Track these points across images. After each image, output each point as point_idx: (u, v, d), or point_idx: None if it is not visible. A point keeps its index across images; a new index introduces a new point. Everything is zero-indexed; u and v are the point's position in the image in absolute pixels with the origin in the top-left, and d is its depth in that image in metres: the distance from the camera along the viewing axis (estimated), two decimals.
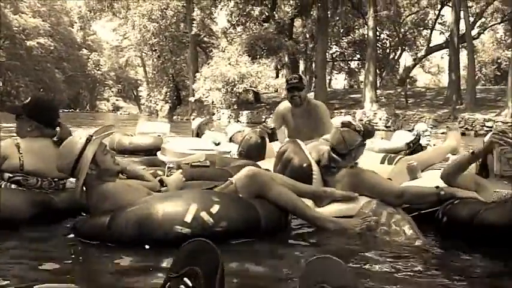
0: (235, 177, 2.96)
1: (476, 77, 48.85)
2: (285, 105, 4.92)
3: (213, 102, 26.99)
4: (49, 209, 3.01)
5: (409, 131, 6.66)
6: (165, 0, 32.91)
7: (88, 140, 2.64)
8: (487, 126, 20.15)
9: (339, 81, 59.34)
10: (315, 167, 3.40)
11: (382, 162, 4.17)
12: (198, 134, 6.67)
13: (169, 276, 1.42)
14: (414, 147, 5.01)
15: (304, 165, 3.38)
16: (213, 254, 1.49)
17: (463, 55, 43.90)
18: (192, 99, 30.52)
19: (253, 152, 4.56)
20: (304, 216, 2.92)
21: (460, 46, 37.51)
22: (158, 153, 5.59)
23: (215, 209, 2.52)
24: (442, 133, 21.79)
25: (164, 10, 33.39)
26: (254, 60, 26.92)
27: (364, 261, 2.41)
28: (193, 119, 28.77)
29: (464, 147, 3.88)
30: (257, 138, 4.63)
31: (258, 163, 4.08)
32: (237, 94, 25.93)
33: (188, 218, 2.46)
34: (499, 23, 37.42)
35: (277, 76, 44.58)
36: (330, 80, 52.05)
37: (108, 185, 2.70)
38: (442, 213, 2.90)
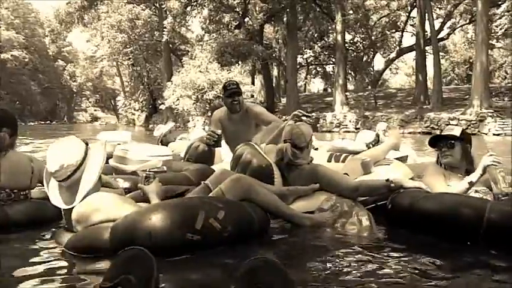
0: (212, 182, 3.09)
1: (449, 76, 49.80)
2: (221, 112, 4.96)
3: (183, 109, 27.00)
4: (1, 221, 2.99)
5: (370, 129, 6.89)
6: (135, 10, 32.86)
7: (87, 144, 2.63)
8: (452, 125, 20.46)
9: (316, 84, 59.84)
10: (274, 167, 3.50)
11: (329, 160, 4.41)
12: (163, 142, 6.60)
13: (103, 285, 1.40)
14: (374, 147, 5.23)
15: (264, 165, 3.46)
16: (148, 262, 1.50)
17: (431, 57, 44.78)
18: (162, 107, 30.56)
19: (201, 160, 4.52)
20: (284, 215, 3.08)
21: (432, 47, 38.40)
22: (110, 160, 5.63)
23: (221, 214, 2.54)
24: (409, 133, 22.25)
25: (134, 20, 33.36)
26: (224, 67, 27.03)
27: (326, 254, 2.60)
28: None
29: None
30: (204, 146, 4.61)
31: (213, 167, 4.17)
32: (208, 101, 25.99)
33: (198, 225, 2.46)
34: (469, 23, 38.03)
35: (252, 82, 44.90)
36: (305, 84, 52.53)
37: (100, 195, 2.65)
38: (389, 202, 3.15)
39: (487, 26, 22.59)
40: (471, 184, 3.03)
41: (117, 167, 4.64)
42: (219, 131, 4.44)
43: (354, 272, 2.28)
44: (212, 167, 4.43)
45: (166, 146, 6.28)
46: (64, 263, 2.47)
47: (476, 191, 3.07)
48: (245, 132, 4.68)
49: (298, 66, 41.66)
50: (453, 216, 2.69)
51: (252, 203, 2.86)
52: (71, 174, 2.55)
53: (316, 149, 4.98)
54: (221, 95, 4.91)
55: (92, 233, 2.52)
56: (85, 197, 2.60)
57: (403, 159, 5.51)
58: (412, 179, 3.73)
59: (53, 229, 3.08)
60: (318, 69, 46.85)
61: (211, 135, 4.41)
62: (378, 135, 5.56)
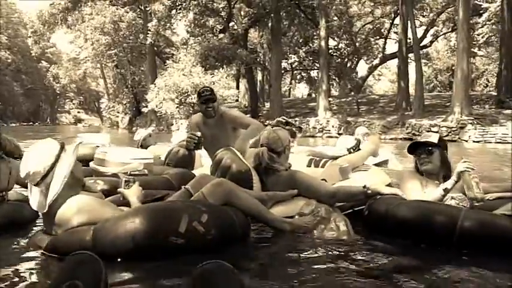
0: (193, 186, 3.10)
1: (432, 84, 50.32)
2: (198, 117, 4.98)
3: (166, 112, 26.93)
4: None
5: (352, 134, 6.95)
6: (118, 12, 32.72)
7: (62, 147, 2.59)
8: (433, 131, 20.71)
9: (301, 89, 60.11)
10: (253, 172, 3.55)
11: (309, 165, 4.45)
12: (142, 146, 6.53)
13: None
14: (355, 151, 5.27)
15: (243, 170, 3.52)
16: (96, 266, 1.50)
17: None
18: (145, 110, 30.47)
19: (181, 165, 4.54)
20: (264, 220, 3.11)
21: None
22: (91, 163, 5.57)
23: (204, 218, 2.56)
24: (391, 139, 22.42)
25: (118, 22, 33.20)
26: (208, 70, 27.04)
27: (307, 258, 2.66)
28: (153, 130, 28.77)
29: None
30: (184, 151, 4.65)
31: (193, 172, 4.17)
32: (192, 104, 25.97)
33: (182, 228, 2.47)
34: (451, 32, 38.47)
35: (237, 86, 44.90)
36: (290, 89, 52.73)
37: (81, 198, 2.64)
38: (366, 209, 3.23)
39: (468, 34, 22.87)
40: (446, 191, 3.08)
41: (97, 169, 4.63)
42: (199, 133, 4.44)
43: (331, 276, 2.33)
44: (192, 171, 4.46)
45: (146, 149, 6.17)
46: (43, 266, 2.48)
47: (452, 198, 3.13)
48: (221, 136, 4.69)
49: (282, 71, 41.85)
50: (427, 223, 2.78)
51: (233, 207, 2.88)
52: (42, 178, 2.52)
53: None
54: (197, 103, 4.93)
55: (73, 236, 2.51)
56: (61, 199, 2.57)
57: (384, 163, 5.58)
58: (389, 185, 3.82)
59: (32, 231, 3.06)
60: (303, 74, 47.08)
61: (191, 138, 4.41)
62: (358, 140, 5.62)
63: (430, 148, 3.33)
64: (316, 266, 2.48)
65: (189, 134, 4.49)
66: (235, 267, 2.24)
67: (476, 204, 3.02)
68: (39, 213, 2.82)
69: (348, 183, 3.78)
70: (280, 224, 3.09)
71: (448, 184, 3.08)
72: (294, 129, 3.81)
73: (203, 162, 5.18)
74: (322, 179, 3.80)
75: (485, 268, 2.43)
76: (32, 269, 2.42)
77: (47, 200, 2.54)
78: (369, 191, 3.23)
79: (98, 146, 7.88)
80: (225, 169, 3.56)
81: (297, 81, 51.53)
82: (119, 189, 3.05)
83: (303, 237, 3.01)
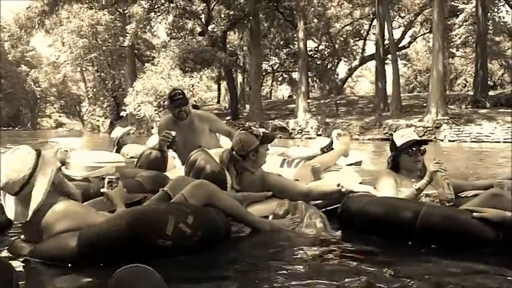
0: (171, 188, 3.09)
1: (412, 84, 50.81)
2: (167, 120, 4.98)
3: (144, 116, 26.84)
4: None
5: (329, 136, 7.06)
6: (96, 15, 32.55)
7: (38, 155, 2.52)
8: (409, 128, 20.92)
9: (283, 91, 60.22)
10: (227, 174, 3.60)
11: (282, 166, 4.49)
12: (119, 144, 6.51)
13: None
14: (328, 151, 5.33)
15: (217, 171, 3.57)
16: (6, 271, 1.46)
17: (398, 64, 45.53)
18: (123, 113, 30.33)
19: (153, 167, 4.43)
20: (245, 221, 3.12)
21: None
22: (62, 168, 5.48)
23: (190, 219, 2.55)
24: (368, 139, 22.62)
25: (95, 26, 33.02)
26: (186, 73, 27.01)
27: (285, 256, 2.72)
28: (133, 133, 28.50)
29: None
30: (157, 153, 4.55)
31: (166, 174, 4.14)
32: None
33: (169, 230, 2.45)
34: (429, 32, 38.90)
35: (218, 88, 44.91)
36: (271, 90, 52.84)
37: (63, 203, 2.58)
38: (340, 206, 3.28)
39: (443, 35, 23.16)
40: (419, 190, 3.15)
41: (68, 174, 4.61)
42: (174, 133, 4.43)
43: (312, 273, 2.36)
44: (168, 173, 4.41)
45: (121, 148, 6.29)
46: (30, 272, 2.47)
47: (427, 195, 3.20)
48: (192, 139, 4.70)
49: (264, 73, 41.96)
50: (391, 219, 2.87)
51: (215, 208, 2.89)
52: (21, 187, 2.46)
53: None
54: (167, 103, 4.95)
55: (58, 242, 2.48)
56: (43, 207, 2.51)
57: (357, 164, 5.67)
58: (361, 183, 3.85)
59: (8, 238, 3.03)
60: (284, 76, 47.18)
61: (165, 137, 4.40)
62: (331, 141, 5.71)
63: (424, 148, 3.43)
64: (297, 266, 2.52)
65: (164, 133, 4.47)
66: (221, 268, 2.25)
67: (447, 204, 3.07)
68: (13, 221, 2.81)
69: (321, 183, 3.84)
70: (260, 225, 3.12)
71: (421, 184, 3.14)
72: (256, 134, 3.81)
73: (176, 164, 5.16)
74: (295, 179, 3.86)
75: (446, 261, 2.52)
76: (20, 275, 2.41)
77: (29, 209, 2.47)
78: (343, 189, 3.31)
79: (65, 150, 7.86)
80: (199, 170, 3.61)
81: (278, 83, 51.63)
82: (102, 190, 3.04)
83: (283, 237, 3.05)
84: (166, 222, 2.46)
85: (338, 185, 3.35)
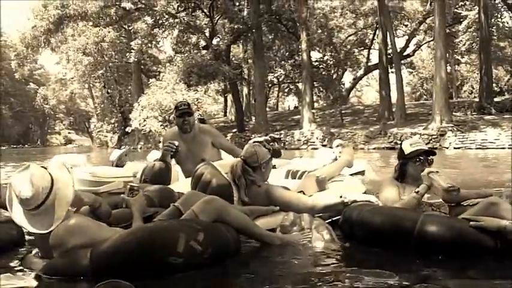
0: (182, 204, 3.12)
1: (418, 92, 50.69)
2: (173, 131, 5.03)
3: (150, 130, 27.03)
4: None
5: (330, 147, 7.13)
6: (101, 33, 32.92)
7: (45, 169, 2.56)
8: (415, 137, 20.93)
9: (290, 102, 60.28)
10: (233, 187, 3.63)
11: (286, 177, 4.57)
12: (118, 166, 6.36)
13: None
14: None
15: (224, 185, 3.59)
16: None
17: (403, 73, 45.50)
18: (129, 129, 30.58)
19: (158, 179, 4.42)
20: (254, 235, 3.14)
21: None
22: None
23: (201, 236, 2.57)
24: (373, 148, 22.59)
25: (100, 43, 33.39)
26: (191, 87, 27.21)
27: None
28: (140, 148, 28.55)
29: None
30: (161, 165, 4.54)
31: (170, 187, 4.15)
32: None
33: (180, 248, 2.48)
34: (433, 40, 38.84)
35: (225, 101, 45.11)
36: (277, 102, 52.96)
37: (74, 219, 2.60)
38: (342, 216, 3.32)
39: (445, 43, 23.18)
40: (420, 194, 3.16)
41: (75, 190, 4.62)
42: (177, 143, 4.46)
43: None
44: (172, 185, 4.39)
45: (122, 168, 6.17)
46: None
47: (431, 205, 3.22)
48: (196, 152, 4.74)
49: (270, 85, 42.12)
50: (391, 227, 2.89)
51: (225, 224, 2.90)
52: (42, 202, 2.48)
53: (274, 166, 5.09)
54: (173, 117, 4.99)
55: (71, 257, 2.50)
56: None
57: (360, 173, 5.70)
58: (365, 193, 3.88)
59: (18, 255, 3.04)
60: (291, 86, 47.26)
61: (169, 147, 4.42)
62: (336, 156, 5.75)
63: (432, 158, 3.49)
64: (311, 278, 2.55)
65: (167, 143, 4.49)
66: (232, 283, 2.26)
67: (454, 192, 3.10)
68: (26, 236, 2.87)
69: (325, 193, 3.87)
70: (270, 239, 3.13)
71: (421, 188, 3.18)
72: (278, 147, 3.88)
73: (180, 176, 5.18)
74: (300, 191, 3.88)
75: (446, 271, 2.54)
76: None
77: (51, 223, 2.51)
78: (346, 200, 3.36)
79: (70, 168, 7.91)
80: (206, 184, 3.62)
81: (285, 94, 51.76)
82: (122, 196, 3.11)
83: (293, 250, 3.06)
84: (177, 240, 2.50)
85: (340, 197, 3.41)
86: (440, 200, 3.23)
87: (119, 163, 6.51)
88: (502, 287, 2.31)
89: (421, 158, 3.44)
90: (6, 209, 3.27)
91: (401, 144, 3.62)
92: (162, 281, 2.46)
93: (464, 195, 3.44)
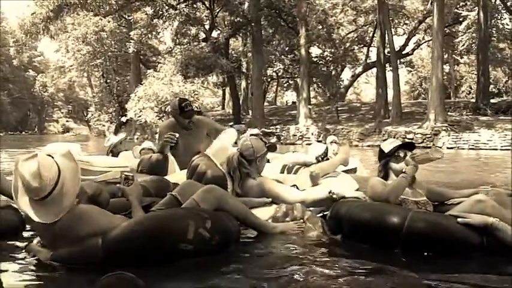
0: (180, 193, 3.19)
1: (417, 91, 50.71)
2: (169, 123, 5.09)
3: (146, 121, 27.07)
4: None
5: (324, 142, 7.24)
6: (101, 22, 32.86)
7: (57, 164, 2.53)
8: (408, 138, 21.08)
9: (289, 97, 60.22)
10: (228, 178, 3.71)
11: (282, 171, 4.65)
12: (113, 153, 6.52)
13: None
14: (322, 159, 5.43)
15: (218, 177, 3.66)
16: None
17: (402, 71, 45.53)
18: (123, 119, 30.60)
19: (155, 170, 4.47)
20: (252, 224, 3.25)
21: (399, 62, 39.08)
22: None
23: (208, 224, 2.66)
24: (368, 146, 22.65)
25: (99, 33, 33.33)
26: (188, 79, 27.23)
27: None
28: (137, 138, 28.64)
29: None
30: (158, 156, 4.62)
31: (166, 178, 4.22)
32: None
33: (190, 235, 2.57)
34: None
35: (223, 94, 45.12)
36: (276, 96, 52.96)
37: (83, 208, 2.65)
38: (330, 211, 3.39)
39: (442, 43, 23.24)
40: (408, 174, 3.26)
41: None
42: (177, 134, 4.53)
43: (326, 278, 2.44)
44: (168, 176, 4.44)
45: (117, 156, 6.21)
46: (56, 275, 2.52)
47: (416, 202, 3.28)
48: (193, 144, 4.78)
49: (269, 79, 42.06)
50: (379, 223, 2.93)
51: (226, 213, 2.98)
52: (50, 192, 2.47)
53: (268, 160, 5.17)
54: (173, 112, 4.91)
55: (82, 246, 2.53)
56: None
57: (352, 170, 5.78)
58: (358, 190, 3.94)
59: (20, 242, 3.05)
60: (290, 81, 47.22)
61: (170, 138, 4.48)
62: (326, 149, 5.83)
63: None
64: (308, 267, 2.62)
65: (168, 135, 4.54)
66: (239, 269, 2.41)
67: (438, 154, 3.26)
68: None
69: (317, 189, 3.95)
70: (266, 228, 3.25)
71: (408, 169, 3.27)
72: (274, 141, 3.97)
73: (176, 168, 5.22)
74: (293, 185, 3.99)
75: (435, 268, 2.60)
76: (47, 279, 2.49)
77: (57, 213, 2.50)
78: (334, 195, 3.44)
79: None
80: (201, 175, 3.69)
81: (284, 88, 51.75)
82: (118, 185, 3.15)
83: (288, 239, 3.16)
84: (187, 228, 2.58)
85: (330, 192, 3.48)
86: (425, 198, 3.33)
87: (114, 150, 6.57)
88: (488, 282, 2.37)
89: (401, 153, 3.50)
90: (5, 195, 3.34)
91: (379, 146, 3.70)
92: (170, 268, 2.53)
93: (447, 194, 3.59)
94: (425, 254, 2.79)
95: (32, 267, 2.61)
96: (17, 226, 3.27)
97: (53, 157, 2.55)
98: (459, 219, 2.76)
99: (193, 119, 4.89)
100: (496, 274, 2.48)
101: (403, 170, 3.27)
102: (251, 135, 4.04)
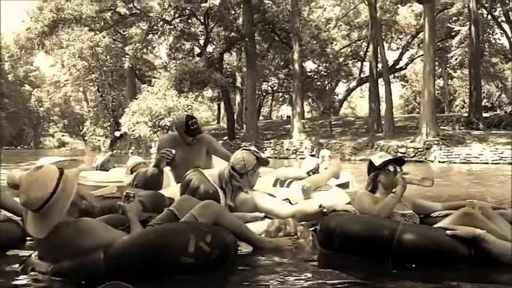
0: (177, 208, 3.19)
1: (411, 105, 50.99)
2: (171, 137, 5.10)
3: (140, 135, 27.15)
4: None
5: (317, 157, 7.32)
6: (96, 38, 33.08)
7: (61, 174, 2.55)
8: (401, 152, 21.19)
9: (284, 111, 60.45)
10: (220, 194, 3.74)
11: (275, 185, 4.61)
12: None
13: None
14: (314, 174, 5.55)
15: (211, 192, 3.68)
16: None
17: (397, 85, 45.84)
18: (117, 133, 30.68)
19: (150, 185, 4.46)
20: (247, 238, 3.25)
21: (393, 76, 39.37)
22: None
23: (208, 238, 2.68)
24: (360, 160, 22.72)
25: (94, 48, 33.55)
26: (182, 93, 27.36)
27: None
28: (131, 153, 28.68)
29: None
30: (153, 170, 4.60)
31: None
32: (166, 127, 26.23)
33: (191, 249, 2.59)
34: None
35: (218, 108, 45.30)
36: (271, 111, 53.16)
37: (84, 221, 2.67)
38: (320, 225, 3.41)
39: (433, 57, 23.43)
40: (397, 194, 3.30)
41: None
42: (174, 151, 4.51)
43: None
44: (162, 190, 4.43)
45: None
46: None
47: (403, 215, 3.33)
48: (193, 159, 4.78)
49: (264, 94, 42.28)
50: (369, 236, 2.97)
51: (224, 228, 3.01)
52: (42, 205, 2.46)
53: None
54: (179, 128, 4.91)
55: (83, 259, 2.54)
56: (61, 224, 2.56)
57: (345, 185, 5.84)
58: (349, 203, 4.00)
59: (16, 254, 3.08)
60: (285, 96, 47.44)
61: (166, 154, 4.45)
62: (318, 164, 5.91)
63: (401, 168, 3.61)
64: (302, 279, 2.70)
65: (164, 150, 4.51)
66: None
67: (427, 182, 3.37)
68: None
69: (308, 202, 3.97)
70: (261, 243, 3.28)
71: (398, 188, 3.32)
72: (256, 155, 4.02)
73: (171, 182, 5.25)
74: (286, 199, 4.04)
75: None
76: None
77: (46, 226, 2.50)
78: (325, 210, 3.46)
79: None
80: (194, 190, 3.71)
81: (280, 103, 51.97)
82: (118, 203, 3.14)
83: (283, 254, 3.21)
84: (188, 241, 2.61)
85: (320, 206, 3.51)
86: (411, 210, 3.40)
87: (102, 169, 6.54)
88: None
89: (392, 167, 3.55)
90: (7, 210, 3.39)
91: (369, 160, 3.75)
92: (170, 282, 2.58)
93: (431, 207, 3.66)
94: (414, 265, 2.85)
95: (31, 281, 2.62)
96: (19, 239, 3.31)
97: (62, 172, 2.56)
98: (448, 232, 2.82)
99: (199, 137, 4.88)
100: (487, 283, 2.55)
101: (394, 191, 3.32)
102: (243, 149, 4.08)
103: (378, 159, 3.63)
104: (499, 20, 29.41)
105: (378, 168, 3.58)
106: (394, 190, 3.32)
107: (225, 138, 30.99)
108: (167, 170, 5.05)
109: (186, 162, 4.62)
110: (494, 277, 2.67)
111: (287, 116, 43.08)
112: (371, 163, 3.67)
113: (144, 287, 1.61)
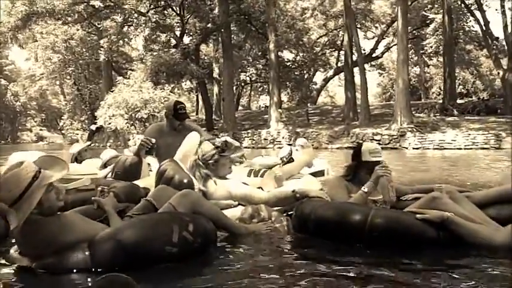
0: (154, 198, 3.27)
1: (389, 93, 51.41)
2: (158, 126, 5.18)
3: (116, 128, 26.99)
4: None
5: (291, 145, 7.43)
6: (70, 31, 32.71)
7: (35, 177, 2.52)
8: (376, 140, 21.43)
9: (263, 101, 60.53)
10: (195, 183, 3.78)
11: (249, 175, 4.68)
12: (77, 160, 6.50)
13: None
14: (287, 160, 5.69)
15: (186, 181, 3.72)
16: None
17: (374, 74, 46.17)
18: (93, 126, 30.47)
19: (129, 174, 4.52)
20: (224, 225, 3.33)
21: (370, 65, 39.65)
22: None
23: (191, 227, 2.77)
24: (337, 148, 22.96)
25: (69, 41, 33.19)
26: (158, 85, 27.25)
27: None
28: (110, 146, 28.52)
29: None
30: (133, 159, 4.65)
31: (136, 182, 4.25)
32: (142, 119, 26.14)
33: (175, 238, 2.67)
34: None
35: (197, 100, 45.17)
36: (249, 101, 53.20)
37: (67, 215, 2.72)
38: (294, 211, 3.50)
39: (407, 46, 23.69)
40: (367, 193, 3.41)
41: None
42: (154, 140, 4.57)
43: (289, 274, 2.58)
44: (139, 181, 4.47)
45: (81, 163, 6.12)
46: (39, 283, 2.55)
47: (374, 201, 3.45)
48: (177, 148, 4.77)
49: (242, 84, 42.29)
50: (343, 221, 3.07)
51: (203, 216, 3.08)
52: (15, 201, 2.46)
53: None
54: (167, 112, 4.98)
55: (68, 253, 2.57)
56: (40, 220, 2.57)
57: (321, 172, 5.95)
58: (322, 189, 4.05)
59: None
60: (264, 86, 47.49)
61: (146, 142, 4.51)
62: (291, 151, 6.02)
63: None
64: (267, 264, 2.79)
65: (143, 139, 4.59)
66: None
67: (387, 207, 3.41)
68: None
69: (281, 189, 4.07)
70: (238, 230, 3.36)
71: (368, 186, 3.41)
72: (215, 145, 4.09)
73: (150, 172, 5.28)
74: (259, 187, 4.11)
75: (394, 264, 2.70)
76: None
77: (17, 221, 2.47)
78: (298, 195, 3.55)
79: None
80: (168, 180, 3.76)
81: (258, 93, 52.03)
82: (93, 198, 3.22)
83: (258, 239, 3.31)
84: (172, 231, 2.69)
85: (293, 191, 3.60)
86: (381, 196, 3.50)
87: (79, 157, 6.56)
88: (443, 275, 2.49)
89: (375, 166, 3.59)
90: None
91: (361, 145, 3.76)
92: (152, 271, 2.61)
93: (401, 190, 3.78)
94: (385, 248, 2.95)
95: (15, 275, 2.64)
96: (2, 233, 3.28)
97: (37, 175, 2.52)
98: (417, 215, 2.95)
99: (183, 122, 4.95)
100: (451, 267, 2.64)
101: (365, 190, 3.41)
102: (206, 140, 4.17)
103: (368, 155, 3.65)
104: (471, 8, 29.69)
105: (363, 162, 3.65)
106: (365, 189, 3.41)
107: (204, 129, 30.93)
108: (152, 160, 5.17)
109: (171, 151, 4.67)
110: (461, 258, 2.77)
111: (265, 106, 43.18)
112: (360, 152, 3.69)
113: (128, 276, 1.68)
